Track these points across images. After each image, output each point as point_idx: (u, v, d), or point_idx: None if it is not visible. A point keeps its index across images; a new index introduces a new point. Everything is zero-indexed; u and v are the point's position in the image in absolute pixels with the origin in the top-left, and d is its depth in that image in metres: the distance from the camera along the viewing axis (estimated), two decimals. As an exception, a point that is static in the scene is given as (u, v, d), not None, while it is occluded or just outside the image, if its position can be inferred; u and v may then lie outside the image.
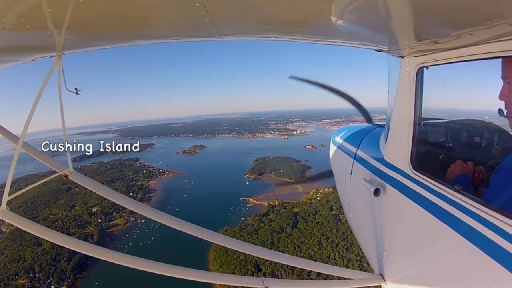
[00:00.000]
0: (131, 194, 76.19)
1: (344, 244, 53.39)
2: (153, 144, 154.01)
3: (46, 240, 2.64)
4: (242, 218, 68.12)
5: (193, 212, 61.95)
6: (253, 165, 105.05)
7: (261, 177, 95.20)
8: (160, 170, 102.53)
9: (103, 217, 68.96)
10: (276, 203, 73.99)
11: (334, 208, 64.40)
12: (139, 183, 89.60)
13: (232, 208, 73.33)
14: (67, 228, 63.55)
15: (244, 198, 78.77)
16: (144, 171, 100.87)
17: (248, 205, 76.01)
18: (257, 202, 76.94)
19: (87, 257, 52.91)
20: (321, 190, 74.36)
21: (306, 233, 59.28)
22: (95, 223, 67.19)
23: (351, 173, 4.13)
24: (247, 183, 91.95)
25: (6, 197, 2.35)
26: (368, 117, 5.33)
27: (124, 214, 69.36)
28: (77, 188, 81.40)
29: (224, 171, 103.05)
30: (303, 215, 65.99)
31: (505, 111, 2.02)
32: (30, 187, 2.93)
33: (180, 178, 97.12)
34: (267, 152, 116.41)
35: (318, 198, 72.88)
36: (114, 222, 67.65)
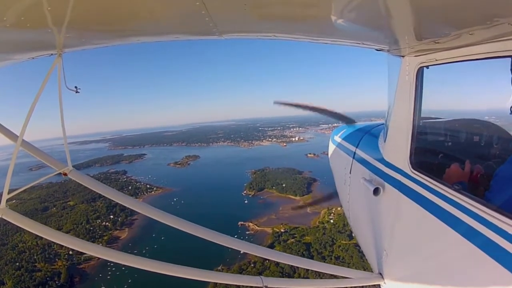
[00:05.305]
0: (111, 216, 68.48)
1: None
2: (144, 154, 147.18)
3: (44, 237, 2.60)
4: (241, 252, 48.86)
5: (181, 243, 45.09)
6: (251, 178, 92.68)
7: (261, 193, 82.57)
8: (148, 186, 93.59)
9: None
10: (282, 230, 60.79)
11: (354, 235, 53.50)
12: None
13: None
14: (33, 262, 53.31)
15: (242, 222, 65.34)
16: (130, 187, 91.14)
17: (247, 232, 62.77)
18: (259, 228, 63.48)
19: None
20: (333, 209, 62.08)
21: (327, 276, 47.98)
22: (66, 255, 55.67)
23: (350, 172, 4.14)
24: (246, 201, 79.01)
25: (6, 196, 2.35)
26: (349, 120, 5.32)
27: (100, 245, 59.10)
28: (54, 208, 72.88)
29: (218, 186, 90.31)
30: (318, 247, 53.38)
31: None
32: (30, 185, 2.93)
33: (169, 195, 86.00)
34: (265, 162, 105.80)
35: (331, 221, 60.29)
36: (87, 255, 48.67)
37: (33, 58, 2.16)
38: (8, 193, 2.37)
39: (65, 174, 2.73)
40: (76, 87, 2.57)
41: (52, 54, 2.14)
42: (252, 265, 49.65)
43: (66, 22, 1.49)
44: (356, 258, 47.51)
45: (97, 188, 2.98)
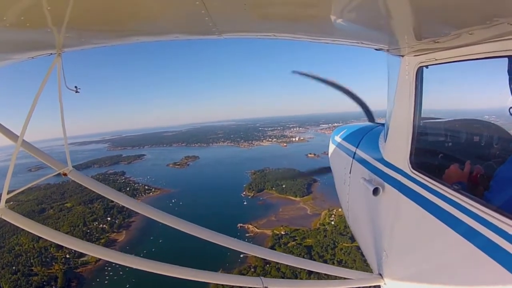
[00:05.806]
0: (108, 218, 67.43)
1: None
2: (143, 155, 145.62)
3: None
4: (241, 256, 47.49)
5: (179, 247, 46.98)
6: (250, 179, 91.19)
7: (260, 194, 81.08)
8: (146, 187, 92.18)
9: (73, 251, 52.74)
10: (283, 232, 59.70)
11: (353, 235, 50.70)
12: (120, 204, 72.87)
13: (227, 239, 57.52)
14: (30, 266, 52.71)
15: (242, 224, 64.09)
16: (128, 188, 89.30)
17: (247, 234, 61.11)
18: (258, 231, 62.23)
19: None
20: (334, 210, 61.34)
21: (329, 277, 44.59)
22: (62, 259, 55.04)
23: (350, 172, 4.14)
24: (245, 202, 77.68)
25: (5, 196, 2.35)
26: (369, 115, 5.27)
27: (100, 245, 56.60)
28: (51, 210, 71.64)
29: (217, 187, 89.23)
30: (319, 250, 52.55)
31: None
32: (30, 185, 2.92)
33: (167, 197, 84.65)
34: (265, 162, 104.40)
35: (332, 222, 59.56)
36: (85, 258, 54.15)
37: (32, 57, 2.16)
38: (8, 193, 2.37)
39: (65, 175, 2.73)
40: (76, 86, 2.57)
41: (51, 54, 2.14)
42: (253, 269, 48.64)
43: (65, 22, 1.49)
44: (359, 262, 45.57)
45: (96, 188, 2.98)
